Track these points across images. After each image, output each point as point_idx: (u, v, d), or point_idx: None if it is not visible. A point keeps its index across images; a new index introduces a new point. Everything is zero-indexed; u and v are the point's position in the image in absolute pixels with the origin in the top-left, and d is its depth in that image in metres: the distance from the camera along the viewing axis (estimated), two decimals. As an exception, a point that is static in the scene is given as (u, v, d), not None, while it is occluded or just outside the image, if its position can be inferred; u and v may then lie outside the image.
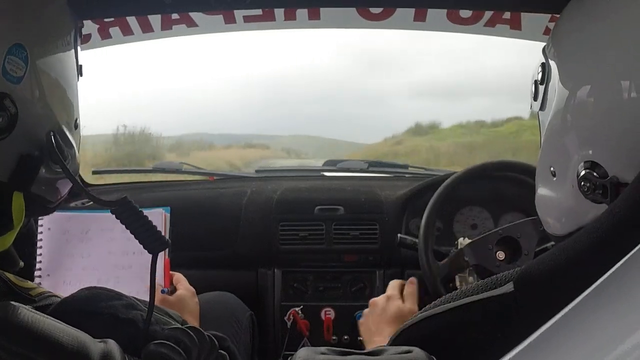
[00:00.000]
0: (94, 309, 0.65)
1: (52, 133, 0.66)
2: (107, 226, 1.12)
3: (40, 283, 1.08)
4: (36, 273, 1.10)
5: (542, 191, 0.68)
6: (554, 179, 0.63)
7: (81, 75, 0.80)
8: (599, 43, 0.56)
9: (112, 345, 0.54)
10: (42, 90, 0.65)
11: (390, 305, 1.12)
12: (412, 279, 1.20)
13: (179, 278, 1.12)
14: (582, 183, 0.56)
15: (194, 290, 1.10)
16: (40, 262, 1.11)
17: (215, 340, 0.66)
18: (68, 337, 0.50)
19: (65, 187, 0.73)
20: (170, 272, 1.13)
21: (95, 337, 0.53)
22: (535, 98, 0.69)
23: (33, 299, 0.65)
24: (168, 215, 1.12)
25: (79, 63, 0.79)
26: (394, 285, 1.20)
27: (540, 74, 0.67)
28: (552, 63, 0.64)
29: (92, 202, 1.61)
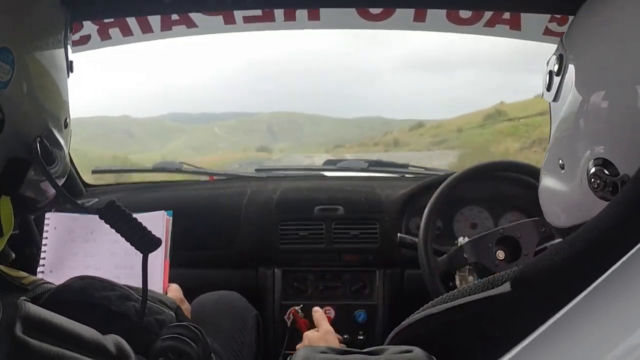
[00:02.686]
0: (87, 299, 0.65)
1: (38, 140, 0.64)
2: (111, 229, 1.14)
3: (38, 276, 1.09)
4: (39, 269, 1.12)
5: (547, 182, 0.68)
6: (562, 171, 0.63)
7: (72, 72, 0.78)
8: (615, 46, 0.56)
9: (120, 337, 0.55)
10: (30, 93, 0.64)
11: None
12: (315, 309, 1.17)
13: (171, 286, 1.12)
14: (593, 180, 0.56)
15: (183, 297, 1.09)
16: (44, 258, 1.13)
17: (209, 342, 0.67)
18: (86, 331, 0.51)
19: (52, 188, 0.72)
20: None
21: None
22: (548, 89, 0.68)
23: (26, 288, 0.65)
24: (170, 219, 1.13)
25: (70, 59, 0.76)
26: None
27: (556, 66, 0.66)
28: (570, 57, 0.64)
29: (93, 203, 1.62)
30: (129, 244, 1.11)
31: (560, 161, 0.64)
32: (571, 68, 0.63)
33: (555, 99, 0.66)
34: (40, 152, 0.64)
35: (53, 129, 0.68)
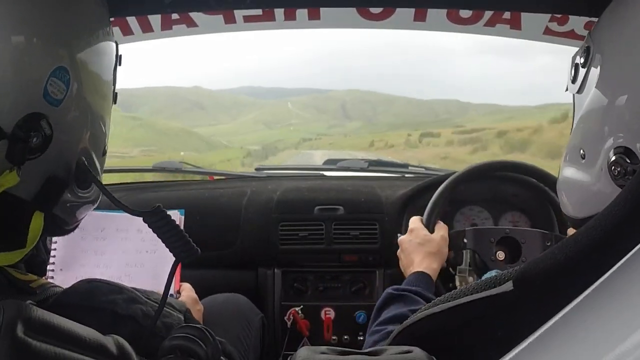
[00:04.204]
0: (93, 303, 0.65)
1: (83, 159, 0.66)
2: (122, 226, 1.15)
3: (53, 277, 1.10)
4: (49, 267, 1.11)
5: (567, 172, 0.69)
6: (583, 161, 0.64)
7: (115, 103, 0.81)
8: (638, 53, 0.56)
9: (120, 338, 0.55)
10: (79, 115, 0.66)
11: (416, 236, 1.18)
12: (439, 220, 1.26)
13: (185, 286, 1.13)
14: (613, 168, 0.56)
15: (196, 297, 1.10)
16: (54, 256, 1.13)
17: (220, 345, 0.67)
18: (87, 332, 0.51)
19: (84, 212, 0.74)
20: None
21: None
22: (573, 80, 0.68)
23: (34, 292, 0.65)
24: (182, 217, 1.13)
25: (115, 91, 0.79)
26: (414, 219, 1.25)
27: (583, 58, 0.66)
28: (597, 50, 0.64)
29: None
30: (137, 242, 1.12)
31: (582, 151, 0.64)
32: (597, 60, 0.63)
33: (580, 91, 0.67)
34: (80, 172, 0.66)
35: (93, 154, 0.70)
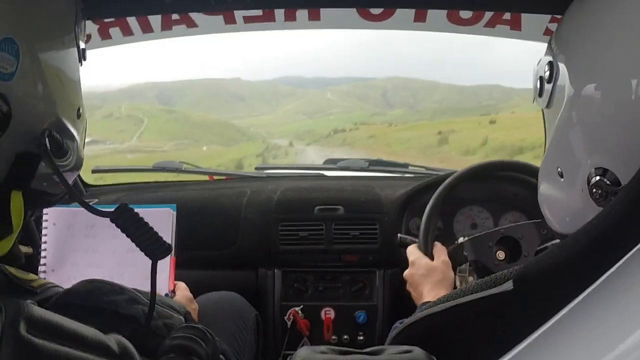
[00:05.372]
0: (95, 303, 0.65)
1: (46, 133, 0.62)
2: (115, 227, 1.12)
3: (44, 278, 1.07)
4: (40, 268, 1.10)
5: (546, 189, 0.68)
6: (561, 179, 0.63)
7: (84, 60, 0.75)
8: (605, 44, 0.55)
9: (122, 337, 0.55)
10: (37, 84, 0.61)
11: (418, 268, 1.17)
12: (436, 242, 1.23)
13: (179, 285, 1.13)
14: (594, 190, 0.55)
15: (191, 296, 1.10)
16: (44, 257, 1.11)
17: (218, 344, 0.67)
18: (88, 331, 0.51)
19: (69, 179, 0.71)
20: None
21: None
22: (540, 94, 0.66)
23: (35, 291, 0.65)
24: (174, 213, 1.12)
25: (82, 47, 0.74)
26: (411, 250, 1.23)
27: (547, 72, 0.64)
28: (561, 64, 0.62)
29: (94, 203, 1.61)
30: (129, 240, 1.11)
31: (559, 169, 0.63)
32: (563, 73, 0.61)
33: (549, 105, 0.65)
34: (50, 146, 0.62)
35: (64, 120, 0.66)
